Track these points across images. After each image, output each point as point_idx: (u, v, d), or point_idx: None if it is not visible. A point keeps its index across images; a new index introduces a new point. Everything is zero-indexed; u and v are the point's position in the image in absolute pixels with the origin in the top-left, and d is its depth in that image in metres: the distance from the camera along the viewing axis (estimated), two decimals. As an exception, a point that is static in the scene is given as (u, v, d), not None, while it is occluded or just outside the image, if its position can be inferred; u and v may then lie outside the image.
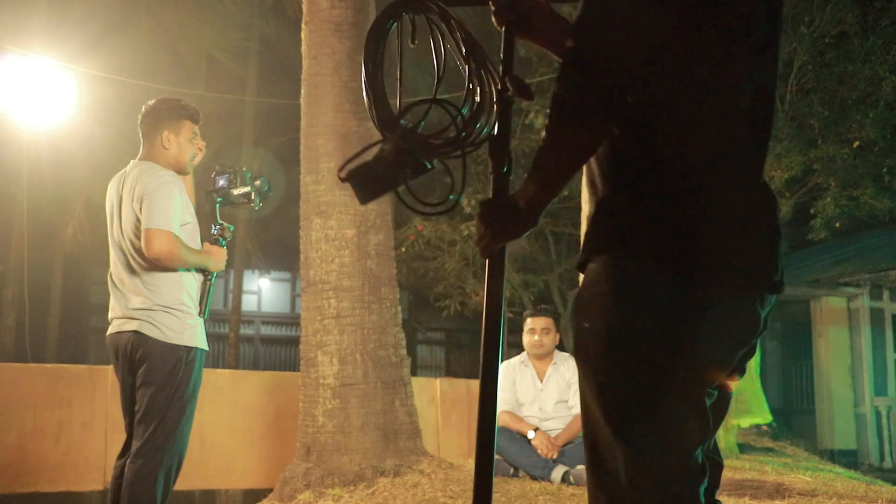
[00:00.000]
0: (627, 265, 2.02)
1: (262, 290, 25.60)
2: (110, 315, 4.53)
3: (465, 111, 2.21)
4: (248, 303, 23.60)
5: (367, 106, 2.25)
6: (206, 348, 4.54)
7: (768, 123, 2.17)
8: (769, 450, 10.52)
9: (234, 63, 15.35)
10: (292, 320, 24.01)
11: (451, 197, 2.31)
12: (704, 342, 2.02)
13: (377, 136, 2.26)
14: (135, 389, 4.37)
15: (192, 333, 4.42)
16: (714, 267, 2.01)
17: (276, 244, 19.65)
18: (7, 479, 7.62)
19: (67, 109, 10.20)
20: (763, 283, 2.09)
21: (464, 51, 2.22)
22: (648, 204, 2.02)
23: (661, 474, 1.99)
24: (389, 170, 2.17)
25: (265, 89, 15.82)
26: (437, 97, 2.23)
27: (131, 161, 4.62)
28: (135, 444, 4.29)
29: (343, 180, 2.23)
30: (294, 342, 21.36)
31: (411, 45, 2.32)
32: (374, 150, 2.22)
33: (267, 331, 24.63)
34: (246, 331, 22.55)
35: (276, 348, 24.21)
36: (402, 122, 2.21)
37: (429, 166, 2.22)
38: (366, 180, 2.22)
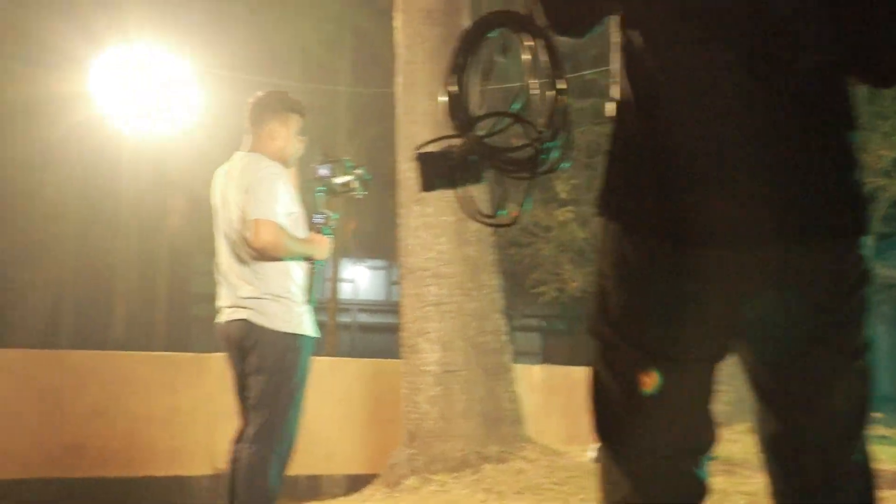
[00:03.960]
0: (606, 227, 1.98)
1: (359, 279, 25.85)
2: (219, 304, 4.61)
3: (545, 135, 2.15)
4: (345, 291, 23.86)
5: (445, 105, 2.21)
6: (315, 335, 4.60)
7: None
8: (883, 437, 10.24)
9: (328, 54, 15.51)
10: (388, 308, 24.22)
11: (502, 213, 2.26)
12: (673, 308, 1.83)
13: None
14: (246, 377, 4.45)
15: (300, 321, 4.48)
16: (695, 227, 1.80)
17: (371, 233, 19.82)
18: (120, 463, 7.85)
19: (170, 104, 10.44)
20: (807, 230, 1.81)
21: (549, 74, 2.17)
22: (621, 165, 1.95)
23: (612, 477, 1.89)
24: (452, 170, 2.15)
25: (358, 79, 15.95)
26: (519, 114, 2.19)
27: (237, 153, 4.70)
28: (249, 430, 4.36)
29: (415, 160, 2.21)
30: (390, 329, 21.54)
31: (500, 59, 2.28)
32: (448, 142, 2.20)
33: (363, 318, 24.87)
34: (343, 319, 22.82)
35: (372, 336, 24.44)
36: (477, 129, 2.18)
37: (482, 180, 2.19)
38: (430, 169, 2.20)
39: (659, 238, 1.85)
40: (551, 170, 2.12)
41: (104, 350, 10.14)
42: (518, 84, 2.18)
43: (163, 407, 8.11)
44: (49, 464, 7.76)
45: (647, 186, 1.88)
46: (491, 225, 2.47)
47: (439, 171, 2.18)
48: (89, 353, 8.72)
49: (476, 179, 2.17)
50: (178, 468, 8.06)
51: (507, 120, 2.18)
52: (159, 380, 8.23)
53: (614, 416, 1.91)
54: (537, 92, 2.11)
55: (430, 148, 2.20)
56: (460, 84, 2.19)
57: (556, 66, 2.14)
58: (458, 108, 2.19)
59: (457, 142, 2.16)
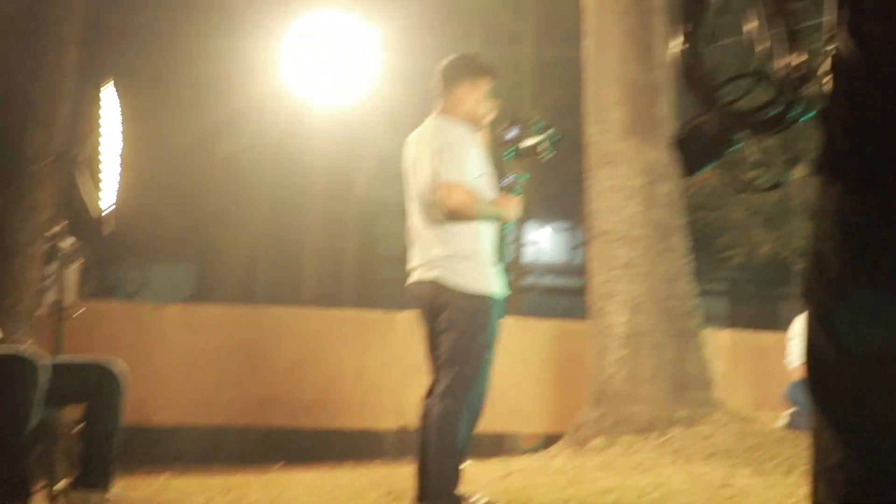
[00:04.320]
0: (826, 188, 1.89)
1: (542, 241, 25.87)
2: (410, 265, 4.72)
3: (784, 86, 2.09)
4: (529, 253, 23.93)
5: (683, 77, 2.18)
6: (504, 296, 4.66)
7: None
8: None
9: (511, 16, 15.48)
10: (572, 270, 24.15)
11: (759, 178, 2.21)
12: None
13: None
14: (437, 335, 4.55)
15: (489, 281, 4.54)
16: None
17: (555, 195, 19.76)
18: (315, 415, 8.18)
19: (357, 71, 10.68)
20: None
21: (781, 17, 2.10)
22: (844, 123, 1.86)
23: (825, 444, 1.83)
24: (709, 145, 2.12)
25: (543, 41, 15.86)
26: (761, 71, 2.13)
27: (428, 117, 4.78)
28: (439, 387, 4.47)
29: (673, 148, 2.19)
30: (573, 292, 21.46)
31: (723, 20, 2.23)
32: (697, 119, 2.17)
33: (547, 280, 24.90)
34: (526, 280, 22.90)
35: (556, 298, 24.45)
36: (719, 96, 2.14)
37: (737, 146, 2.15)
38: (688, 152, 2.18)
39: (886, 199, 1.80)
40: (793, 124, 2.08)
41: (297, 306, 10.54)
42: (734, 40, 2.13)
43: (353, 363, 8.39)
44: (248, 413, 8.17)
45: (875, 145, 1.82)
46: (755, 191, 2.43)
47: (696, 150, 2.16)
48: (285, 309, 9.11)
49: (730, 145, 2.15)
50: (367, 422, 8.34)
51: (744, 81, 2.14)
52: (350, 337, 8.51)
53: (830, 380, 1.87)
54: (767, 48, 2.07)
55: (683, 130, 2.18)
56: (693, 51, 2.15)
57: (787, 18, 2.08)
58: (696, 78, 2.16)
59: (706, 117, 2.14)
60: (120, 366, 4.22)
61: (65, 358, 4.32)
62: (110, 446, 4.11)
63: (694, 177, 2.29)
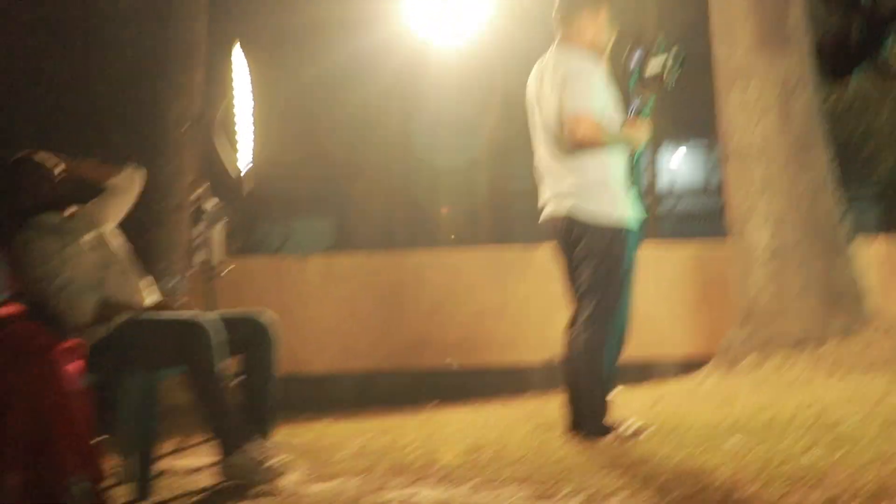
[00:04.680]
0: None
1: (676, 163, 25.40)
2: (542, 201, 4.72)
3: None
4: (664, 177, 23.53)
5: None
6: (640, 222, 4.63)
7: None
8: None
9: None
10: (709, 190, 23.67)
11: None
12: None
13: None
14: (575, 266, 4.56)
15: (624, 209, 4.51)
16: None
17: (687, 115, 19.32)
18: (462, 353, 8.32)
19: (477, 5, 10.62)
20: None
21: None
22: None
23: None
24: (856, 49, 2.07)
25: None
26: None
27: (550, 49, 4.74)
28: (581, 317, 4.49)
29: (810, 57, 2.14)
30: (711, 213, 21.05)
31: None
32: (840, 23, 2.11)
33: (684, 203, 24.48)
34: (663, 205, 22.56)
35: (693, 220, 24.03)
36: None
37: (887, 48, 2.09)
38: (832, 59, 2.13)
39: None
40: None
41: (436, 248, 10.68)
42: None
43: (496, 300, 8.47)
44: (397, 357, 8.36)
45: None
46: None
47: (841, 56, 2.12)
48: (425, 252, 9.24)
49: (880, 48, 2.10)
50: (514, 356, 8.42)
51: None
52: (491, 274, 8.59)
53: None
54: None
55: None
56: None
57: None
58: None
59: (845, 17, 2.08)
60: (271, 317, 4.38)
61: (217, 314, 4.51)
62: (269, 396, 4.29)
63: (838, 84, 2.23)
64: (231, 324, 4.15)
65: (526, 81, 4.78)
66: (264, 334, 4.29)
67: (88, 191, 4.46)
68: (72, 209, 4.33)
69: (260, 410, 4.23)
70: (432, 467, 4.06)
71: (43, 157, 4.27)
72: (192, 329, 3.91)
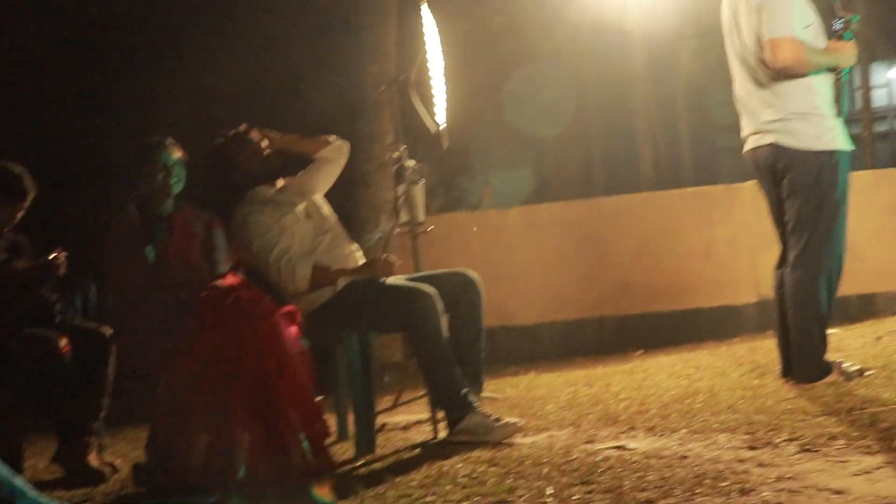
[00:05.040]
0: None
1: (894, 82, 24.00)
2: (743, 133, 4.58)
3: None
4: (879, 98, 22.29)
5: None
6: (850, 149, 4.42)
7: None
8: None
9: None
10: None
11: None
12: None
13: None
14: (782, 201, 4.42)
15: (832, 136, 4.32)
16: None
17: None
18: (667, 298, 8.23)
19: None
20: None
21: None
22: None
23: None
24: None
25: None
26: None
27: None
28: (791, 254, 4.35)
29: None
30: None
31: None
32: None
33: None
34: (879, 128, 21.39)
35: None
36: None
37: None
38: None
39: None
40: None
41: (637, 193, 10.53)
42: None
43: (701, 240, 8.31)
44: (602, 304, 8.35)
45: None
46: None
47: None
48: (625, 197, 9.13)
49: None
50: (722, 298, 8.26)
51: None
52: (695, 214, 8.42)
53: None
54: None
55: None
56: None
57: None
58: None
59: None
60: (473, 273, 4.47)
61: (424, 274, 4.64)
62: (478, 350, 4.39)
63: None
64: (438, 282, 4.26)
65: (720, 8, 4.63)
66: (471, 290, 4.38)
67: (298, 162, 4.66)
68: (283, 181, 4.54)
69: (471, 366, 4.33)
70: (642, 417, 4.07)
71: (252, 133, 4.48)
72: (417, 296, 4.03)
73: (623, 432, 3.82)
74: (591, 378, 5.77)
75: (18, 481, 2.67)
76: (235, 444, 3.62)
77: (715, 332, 7.66)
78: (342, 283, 4.20)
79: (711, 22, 4.93)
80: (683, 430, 3.68)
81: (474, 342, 4.36)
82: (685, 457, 3.23)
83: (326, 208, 4.60)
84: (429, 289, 4.08)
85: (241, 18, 11.32)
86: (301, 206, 4.43)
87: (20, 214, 4.51)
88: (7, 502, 2.58)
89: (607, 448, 3.51)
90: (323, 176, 4.70)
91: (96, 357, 4.34)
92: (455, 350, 4.20)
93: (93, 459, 4.26)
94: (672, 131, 13.26)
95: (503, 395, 5.44)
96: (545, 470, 3.24)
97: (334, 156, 4.71)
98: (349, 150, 4.79)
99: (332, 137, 4.73)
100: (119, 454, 4.64)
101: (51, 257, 4.34)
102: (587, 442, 3.70)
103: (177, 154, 4.48)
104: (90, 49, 11.92)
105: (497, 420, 3.93)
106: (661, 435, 3.67)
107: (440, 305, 4.06)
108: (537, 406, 4.81)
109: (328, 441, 3.92)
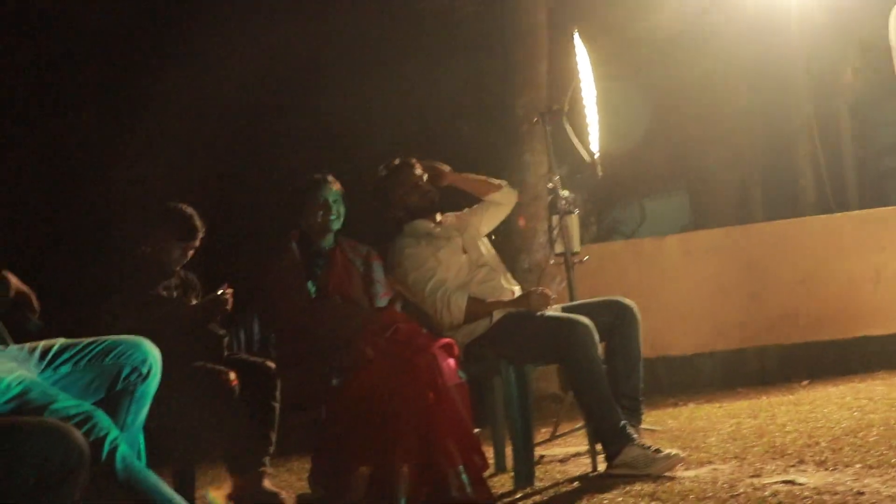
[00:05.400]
0: None
1: None
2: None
3: None
4: None
5: None
6: None
7: None
8: None
9: None
10: None
11: None
12: None
13: None
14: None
15: None
16: None
17: None
18: (835, 326, 7.93)
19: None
20: None
21: None
22: None
23: None
24: None
25: None
26: None
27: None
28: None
29: None
30: None
31: None
32: None
33: None
34: None
35: None
36: None
37: None
38: None
39: None
40: None
41: (798, 217, 10.21)
42: None
43: (870, 266, 7.99)
44: (764, 332, 8.11)
45: None
46: None
47: None
48: (786, 222, 8.86)
49: None
50: (894, 326, 7.91)
51: None
52: (862, 239, 8.11)
53: None
54: None
55: None
56: None
57: None
58: None
59: None
60: (629, 301, 4.42)
61: (579, 303, 4.62)
62: (636, 380, 4.34)
63: None
64: (593, 312, 4.23)
65: (887, 23, 4.48)
66: (628, 319, 4.34)
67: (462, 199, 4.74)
68: (443, 216, 4.60)
69: (629, 397, 4.28)
70: (811, 450, 3.94)
71: (413, 167, 4.57)
72: (573, 327, 4.02)
73: (792, 466, 3.71)
74: (755, 409, 5.63)
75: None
76: (395, 476, 3.68)
77: (887, 361, 7.34)
78: (498, 315, 4.22)
79: (876, 39, 4.78)
80: (858, 465, 3.54)
81: (632, 372, 4.31)
82: (861, 493, 3.10)
83: (484, 244, 4.65)
84: (584, 319, 4.06)
85: (400, 52, 11.59)
86: (458, 241, 4.49)
87: (191, 253, 4.72)
88: None
89: (775, 482, 3.41)
90: (488, 218, 4.76)
91: (263, 391, 4.48)
92: (612, 380, 4.16)
93: (268, 485, 4.40)
94: (835, 153, 12.80)
95: (663, 427, 5.35)
96: (710, 505, 3.18)
97: (504, 201, 4.77)
98: (517, 197, 4.84)
99: (503, 182, 4.78)
100: (283, 485, 4.76)
101: (219, 293, 4.51)
102: (753, 476, 3.60)
103: (337, 190, 4.59)
104: (242, 90, 12.40)
105: (657, 452, 3.86)
106: (834, 469, 3.54)
107: (596, 336, 4.04)
108: (699, 438, 4.71)
109: (486, 473, 3.94)
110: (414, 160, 4.61)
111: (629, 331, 4.32)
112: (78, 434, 1.57)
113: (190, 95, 12.32)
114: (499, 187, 4.73)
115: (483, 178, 4.78)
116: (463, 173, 4.71)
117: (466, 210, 4.73)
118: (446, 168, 4.66)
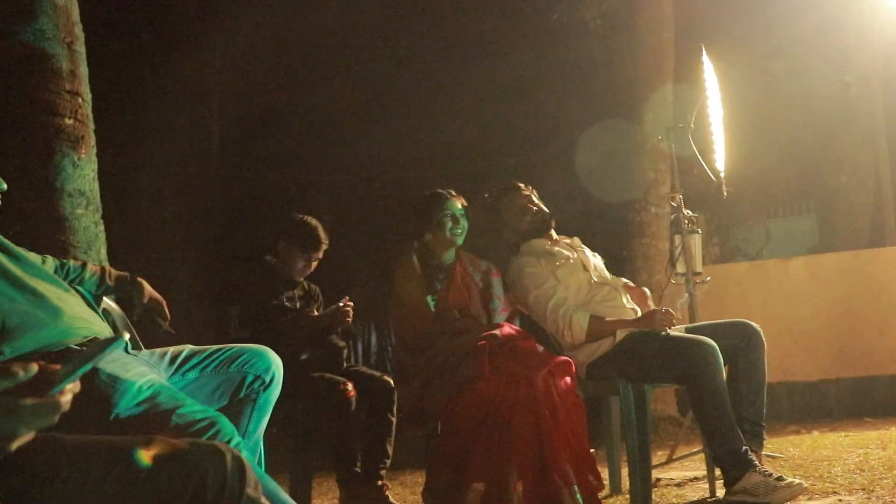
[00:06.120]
0: None
1: None
2: None
3: None
4: None
5: None
6: None
7: None
8: None
9: None
10: None
11: None
12: None
13: None
14: None
15: None
16: None
17: None
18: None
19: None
20: None
21: None
22: None
23: None
24: None
25: None
26: None
27: None
28: None
29: None
30: None
31: None
32: None
33: None
34: None
35: None
36: None
37: None
38: None
39: None
40: None
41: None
42: None
43: None
44: (893, 361, 7.84)
45: None
46: None
47: None
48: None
49: None
50: None
51: None
52: None
53: None
54: None
55: None
56: None
57: None
58: None
59: None
60: (755, 324, 4.32)
61: (703, 324, 4.54)
62: (759, 404, 4.23)
63: None
64: (717, 334, 4.16)
65: None
66: (753, 341, 4.24)
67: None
68: (559, 237, 4.60)
69: (751, 421, 4.19)
70: (944, 485, 3.79)
71: (519, 190, 4.58)
72: (697, 348, 3.95)
73: (924, 501, 3.58)
74: (885, 440, 5.43)
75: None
76: (509, 494, 3.67)
77: None
78: (621, 334, 4.18)
79: None
80: None
81: (756, 397, 4.20)
82: None
83: (600, 262, 4.62)
84: (709, 341, 3.99)
85: (532, 69, 11.66)
86: (576, 259, 4.47)
87: (315, 265, 4.81)
88: None
89: (905, 517, 3.31)
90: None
91: (381, 404, 4.54)
92: (735, 404, 4.07)
93: (390, 497, 4.45)
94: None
95: (785, 455, 5.22)
96: (833, 538, 3.09)
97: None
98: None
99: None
100: (397, 498, 4.80)
101: (340, 305, 4.59)
102: (881, 509, 3.50)
103: (459, 205, 4.61)
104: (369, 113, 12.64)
105: (779, 480, 3.76)
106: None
107: (720, 358, 3.96)
108: (822, 468, 4.58)
109: (601, 494, 3.90)
110: (519, 184, 4.63)
111: (754, 354, 4.22)
112: (232, 455, 1.59)
113: (318, 120, 12.63)
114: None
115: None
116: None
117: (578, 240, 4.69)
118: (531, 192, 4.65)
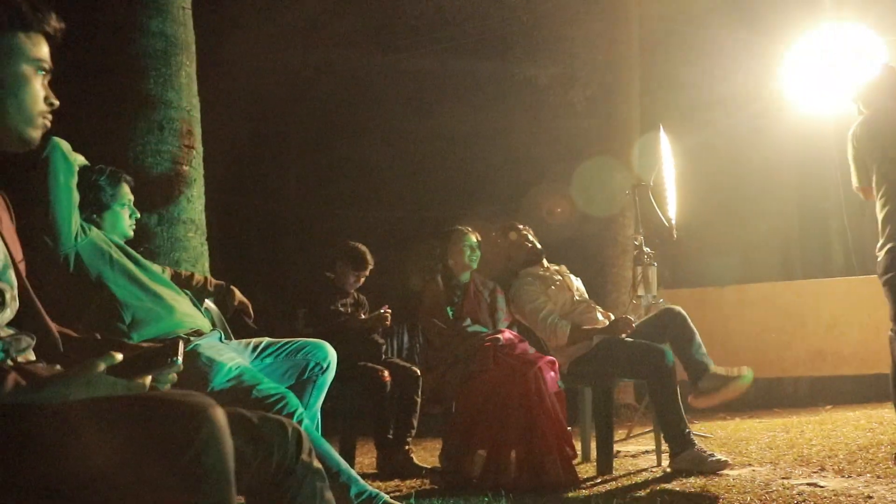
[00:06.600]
0: None
1: None
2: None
3: None
4: None
5: None
6: None
7: None
8: None
9: None
10: None
11: None
12: None
13: None
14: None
15: None
16: None
17: None
18: (855, 363, 7.48)
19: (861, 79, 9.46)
20: None
21: None
22: None
23: None
24: None
25: None
26: None
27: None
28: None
29: None
30: None
31: None
32: None
33: None
34: None
35: None
36: None
37: None
38: None
39: None
40: None
41: (829, 278, 9.75)
42: None
43: (884, 317, 7.53)
44: (797, 366, 7.75)
45: None
46: None
47: None
48: (819, 281, 8.46)
49: None
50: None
51: None
52: (878, 295, 7.67)
53: None
54: None
55: None
56: None
57: None
58: None
59: None
60: (675, 307, 4.27)
61: (644, 320, 4.48)
62: (699, 354, 4.09)
63: None
64: (659, 322, 4.18)
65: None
66: (680, 318, 4.17)
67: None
68: (549, 264, 4.57)
69: (692, 361, 4.07)
70: (831, 461, 3.74)
71: (516, 231, 4.57)
72: (660, 354, 3.91)
73: (815, 472, 3.52)
74: (788, 426, 5.36)
75: (353, 472, 2.81)
76: (506, 459, 3.65)
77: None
78: (596, 339, 4.14)
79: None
80: (868, 475, 3.34)
81: (696, 350, 4.11)
82: (870, 497, 2.94)
83: (581, 285, 4.59)
84: (663, 347, 3.95)
85: (530, 137, 11.60)
86: (562, 281, 4.45)
87: (362, 280, 4.82)
88: (345, 487, 2.72)
89: (802, 484, 3.25)
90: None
91: (410, 388, 4.53)
92: (685, 359, 4.02)
93: (415, 459, 4.43)
94: (859, 227, 12.16)
95: (714, 435, 5.15)
96: (748, 498, 3.04)
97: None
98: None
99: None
100: (419, 459, 4.76)
101: (381, 311, 4.60)
102: (784, 478, 3.43)
103: (474, 238, 4.61)
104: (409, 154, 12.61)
105: (711, 455, 3.72)
106: (849, 477, 3.35)
107: (673, 359, 3.91)
108: (742, 445, 4.52)
109: (575, 461, 3.87)
110: (519, 224, 4.60)
111: (683, 325, 4.15)
112: (293, 428, 1.53)
113: (369, 171, 12.64)
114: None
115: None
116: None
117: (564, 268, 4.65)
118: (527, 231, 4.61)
